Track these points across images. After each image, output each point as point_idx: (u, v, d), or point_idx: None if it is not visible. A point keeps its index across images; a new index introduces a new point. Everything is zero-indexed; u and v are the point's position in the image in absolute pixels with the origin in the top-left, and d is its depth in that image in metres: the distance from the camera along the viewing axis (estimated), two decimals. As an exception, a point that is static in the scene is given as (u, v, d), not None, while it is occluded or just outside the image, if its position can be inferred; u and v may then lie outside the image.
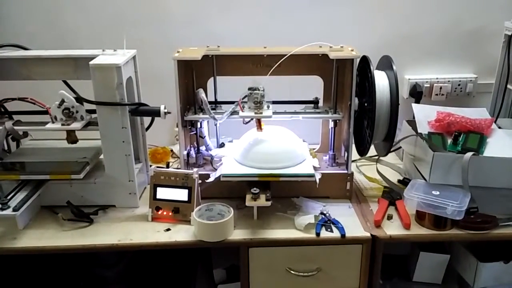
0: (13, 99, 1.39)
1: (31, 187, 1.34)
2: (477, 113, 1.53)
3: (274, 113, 1.39)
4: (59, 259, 1.54)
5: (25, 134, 1.43)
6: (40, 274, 1.58)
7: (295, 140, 1.45)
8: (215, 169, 1.41)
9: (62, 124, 1.32)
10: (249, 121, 1.41)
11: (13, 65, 1.40)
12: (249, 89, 1.34)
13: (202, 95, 1.39)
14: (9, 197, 1.28)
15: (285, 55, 1.33)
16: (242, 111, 1.36)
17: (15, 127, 1.35)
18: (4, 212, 1.24)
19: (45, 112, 1.34)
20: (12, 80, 1.42)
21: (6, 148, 1.47)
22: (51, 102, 1.32)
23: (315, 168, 1.37)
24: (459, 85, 1.82)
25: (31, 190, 1.33)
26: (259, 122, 1.38)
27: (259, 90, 1.34)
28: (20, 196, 1.30)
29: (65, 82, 1.44)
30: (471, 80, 1.82)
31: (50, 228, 1.31)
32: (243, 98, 1.37)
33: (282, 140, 1.42)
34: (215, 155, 1.48)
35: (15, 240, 1.25)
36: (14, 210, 1.24)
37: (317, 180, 1.32)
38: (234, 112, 1.40)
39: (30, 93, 1.39)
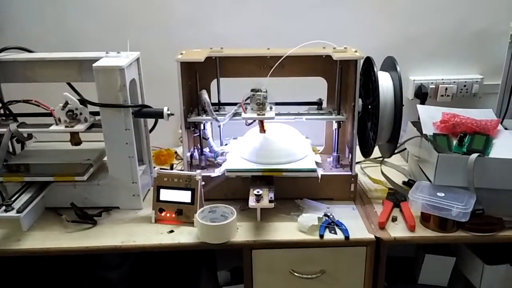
0: (18, 101, 1.41)
1: (35, 188, 1.35)
2: (483, 114, 1.52)
3: (278, 114, 1.39)
4: (63, 260, 1.54)
5: (30, 136, 1.44)
6: (44, 276, 1.58)
7: (297, 136, 1.47)
8: (219, 165, 1.41)
9: (66, 126, 1.33)
10: (252, 123, 1.42)
11: (18, 68, 1.41)
12: (252, 90, 1.34)
13: (205, 96, 1.39)
14: (13, 199, 1.28)
15: (288, 56, 1.33)
16: (245, 113, 1.36)
17: (20, 129, 1.36)
18: (8, 214, 1.24)
19: (49, 114, 1.35)
20: (17, 82, 1.43)
21: (10, 150, 1.48)
22: (56, 104, 1.33)
23: (317, 164, 1.38)
24: (464, 86, 1.80)
25: (35, 192, 1.34)
26: (261, 123, 1.38)
27: (261, 91, 1.34)
28: (24, 197, 1.31)
29: (69, 84, 1.45)
30: (477, 81, 1.80)
31: (54, 229, 1.31)
32: (245, 100, 1.37)
33: (285, 137, 1.44)
34: (220, 151, 1.49)
35: (19, 242, 1.26)
36: (18, 212, 1.24)
37: (319, 176, 1.33)
38: (236, 114, 1.40)
39: (35, 95, 1.39)
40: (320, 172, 1.35)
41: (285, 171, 1.35)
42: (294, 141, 1.44)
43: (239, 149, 1.46)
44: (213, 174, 1.37)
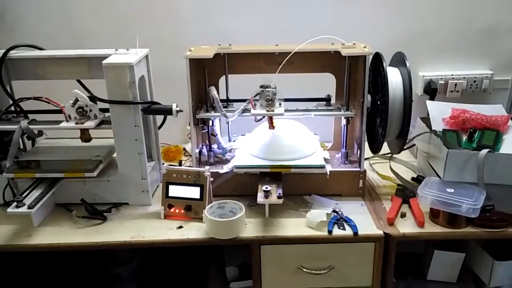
0: (29, 99, 1.41)
1: (46, 185, 1.36)
2: (493, 110, 1.50)
3: (286, 110, 1.39)
4: (73, 256, 1.56)
5: (40, 133, 1.45)
6: (54, 271, 1.60)
7: (306, 132, 1.48)
8: (228, 162, 1.42)
9: (76, 123, 1.34)
10: (261, 119, 1.42)
11: (29, 65, 1.43)
12: (261, 87, 1.34)
13: (214, 92, 1.40)
14: (24, 195, 1.30)
15: (297, 52, 1.33)
16: (254, 109, 1.36)
17: (30, 126, 1.38)
18: (20, 210, 1.25)
19: (60, 111, 1.36)
20: (27, 79, 1.45)
21: (21, 146, 1.49)
22: (66, 101, 1.34)
23: (325, 160, 1.38)
24: (474, 81, 1.79)
25: (45, 188, 1.35)
26: (271, 119, 1.38)
27: (270, 87, 1.34)
28: (35, 194, 1.32)
29: (79, 81, 1.46)
30: (487, 77, 1.79)
31: (65, 225, 1.33)
32: (255, 96, 1.37)
33: (293, 133, 1.44)
34: (228, 147, 1.50)
35: (30, 237, 1.27)
36: (29, 207, 1.26)
37: (328, 172, 1.33)
38: (245, 110, 1.41)
39: (45, 92, 1.40)
40: (328, 168, 1.35)
41: (294, 167, 1.36)
42: (302, 137, 1.45)
43: (247, 146, 1.47)
44: (221, 171, 1.38)
